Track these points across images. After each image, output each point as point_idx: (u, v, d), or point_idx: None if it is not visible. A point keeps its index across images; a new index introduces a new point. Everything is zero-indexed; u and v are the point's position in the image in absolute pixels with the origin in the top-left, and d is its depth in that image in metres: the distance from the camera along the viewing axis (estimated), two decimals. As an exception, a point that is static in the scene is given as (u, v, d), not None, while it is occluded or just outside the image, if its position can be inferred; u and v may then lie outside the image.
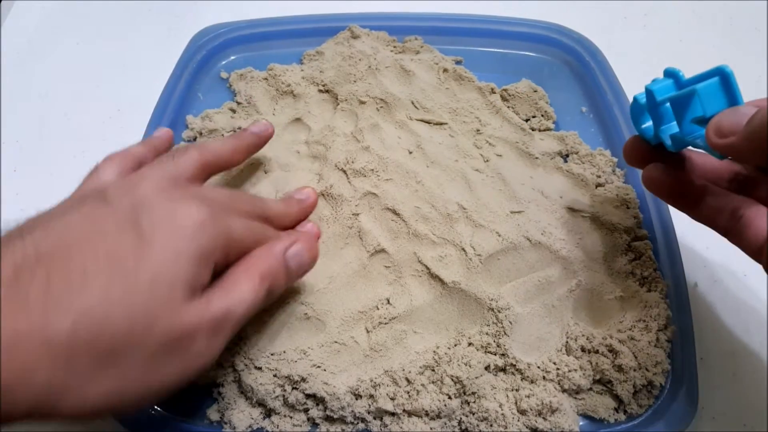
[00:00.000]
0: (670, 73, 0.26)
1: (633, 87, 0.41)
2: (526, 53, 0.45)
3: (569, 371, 0.30)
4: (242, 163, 0.35)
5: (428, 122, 0.40)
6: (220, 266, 0.25)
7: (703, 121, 0.24)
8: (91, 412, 0.21)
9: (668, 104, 0.26)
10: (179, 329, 0.22)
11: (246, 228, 0.27)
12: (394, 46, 0.45)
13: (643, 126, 0.29)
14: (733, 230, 0.26)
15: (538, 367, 0.30)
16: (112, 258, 0.22)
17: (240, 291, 0.25)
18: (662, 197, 0.28)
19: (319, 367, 0.30)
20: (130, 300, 0.21)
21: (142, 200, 0.24)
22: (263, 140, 0.35)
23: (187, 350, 0.23)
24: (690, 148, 0.27)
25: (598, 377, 0.30)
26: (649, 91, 0.26)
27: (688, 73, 0.25)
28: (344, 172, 0.36)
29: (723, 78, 0.24)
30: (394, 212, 0.34)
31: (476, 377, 0.30)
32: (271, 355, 0.31)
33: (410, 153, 0.38)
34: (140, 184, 0.26)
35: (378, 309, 0.32)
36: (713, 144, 0.22)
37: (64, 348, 0.20)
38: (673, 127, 0.27)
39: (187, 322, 0.23)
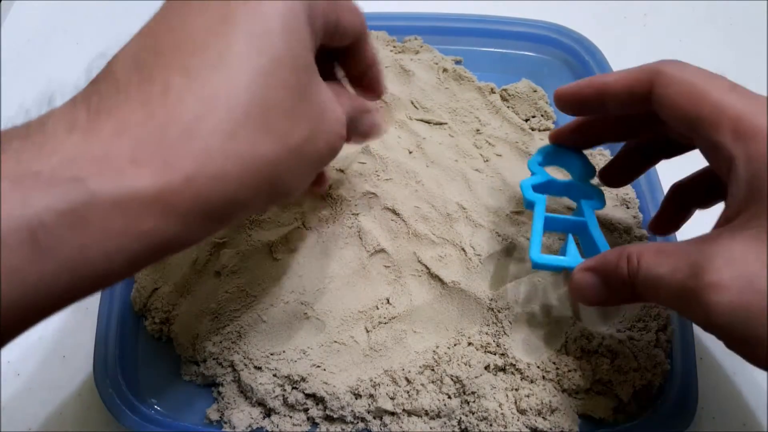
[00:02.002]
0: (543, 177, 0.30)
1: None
2: (526, 53, 0.45)
3: (569, 371, 0.30)
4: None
5: (428, 122, 0.40)
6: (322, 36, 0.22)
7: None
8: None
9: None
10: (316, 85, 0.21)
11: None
12: (394, 46, 0.45)
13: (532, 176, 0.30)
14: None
15: (538, 367, 0.30)
16: (238, 28, 0.19)
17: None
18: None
19: (318, 366, 0.30)
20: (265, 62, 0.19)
21: None
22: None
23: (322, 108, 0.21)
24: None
25: (597, 377, 0.30)
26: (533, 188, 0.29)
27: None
28: (343, 172, 0.36)
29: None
30: (394, 212, 0.34)
31: (476, 377, 0.30)
32: (271, 354, 0.31)
33: (410, 153, 0.38)
34: None
35: (378, 309, 0.32)
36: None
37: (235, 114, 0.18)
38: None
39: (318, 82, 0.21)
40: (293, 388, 0.30)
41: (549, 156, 0.30)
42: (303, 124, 0.20)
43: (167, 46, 0.18)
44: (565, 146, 0.30)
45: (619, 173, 0.31)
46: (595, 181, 0.31)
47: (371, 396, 0.30)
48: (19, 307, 0.15)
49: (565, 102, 0.27)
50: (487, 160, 0.38)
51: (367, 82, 0.28)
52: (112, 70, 0.18)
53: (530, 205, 0.29)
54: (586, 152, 0.31)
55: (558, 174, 0.34)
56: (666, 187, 0.32)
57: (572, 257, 0.27)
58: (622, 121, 0.28)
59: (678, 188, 0.30)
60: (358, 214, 0.34)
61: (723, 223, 0.22)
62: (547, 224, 0.29)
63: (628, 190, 0.36)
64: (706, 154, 0.23)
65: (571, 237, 0.28)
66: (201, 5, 0.19)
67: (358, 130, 0.26)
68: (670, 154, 0.29)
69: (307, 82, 0.20)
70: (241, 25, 0.19)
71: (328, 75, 0.27)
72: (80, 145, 0.16)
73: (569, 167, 0.31)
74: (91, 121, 0.17)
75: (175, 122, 0.17)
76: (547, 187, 0.30)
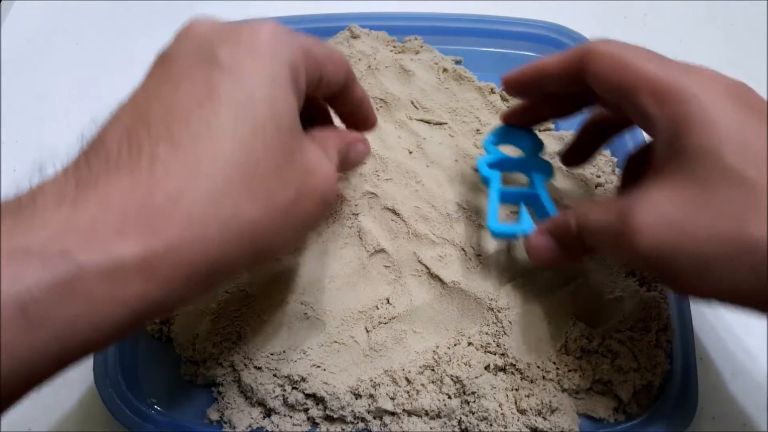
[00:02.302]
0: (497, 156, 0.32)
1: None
2: (526, 53, 0.45)
3: (569, 371, 0.30)
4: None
5: (428, 122, 0.40)
6: (304, 89, 0.24)
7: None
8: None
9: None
10: (302, 151, 0.22)
11: (316, 43, 0.24)
12: (394, 46, 0.45)
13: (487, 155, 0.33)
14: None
15: (538, 367, 0.30)
16: (215, 98, 0.20)
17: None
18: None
19: (318, 366, 0.30)
20: (250, 127, 0.20)
21: (203, 37, 0.22)
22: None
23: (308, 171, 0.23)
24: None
25: (597, 377, 0.30)
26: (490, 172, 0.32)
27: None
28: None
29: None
30: (394, 212, 0.34)
31: (476, 377, 0.30)
32: (271, 354, 0.31)
33: (410, 153, 0.38)
34: (195, 26, 0.23)
35: (378, 309, 0.32)
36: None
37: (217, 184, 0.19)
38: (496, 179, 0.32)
39: (306, 144, 0.23)
40: (293, 388, 0.30)
41: (501, 136, 0.33)
42: (289, 186, 0.21)
43: (156, 116, 0.19)
44: (516, 126, 0.33)
45: (575, 155, 0.34)
46: (546, 155, 0.33)
47: (371, 396, 0.30)
48: (12, 378, 0.16)
49: (510, 86, 0.30)
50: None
51: (357, 118, 0.30)
52: (103, 140, 0.19)
53: (486, 180, 0.32)
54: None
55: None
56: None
57: (526, 224, 0.30)
58: (564, 99, 0.30)
59: (631, 159, 0.32)
60: (358, 214, 0.34)
61: (650, 178, 0.24)
62: (502, 197, 0.31)
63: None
64: (636, 120, 0.25)
65: (524, 207, 0.31)
66: (189, 75, 0.20)
67: (349, 162, 0.28)
68: (616, 131, 0.32)
69: (292, 145, 0.21)
70: (225, 94, 0.20)
71: (316, 115, 0.29)
72: (68, 218, 0.17)
73: (520, 144, 0.33)
74: (79, 193, 0.17)
75: (159, 191, 0.18)
76: (501, 164, 0.33)
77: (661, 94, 0.23)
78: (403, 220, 0.34)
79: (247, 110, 0.20)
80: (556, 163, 0.38)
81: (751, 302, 0.21)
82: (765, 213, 0.20)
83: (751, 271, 0.20)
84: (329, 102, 0.28)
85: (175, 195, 0.18)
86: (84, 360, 0.18)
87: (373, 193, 0.35)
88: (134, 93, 0.21)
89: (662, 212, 0.22)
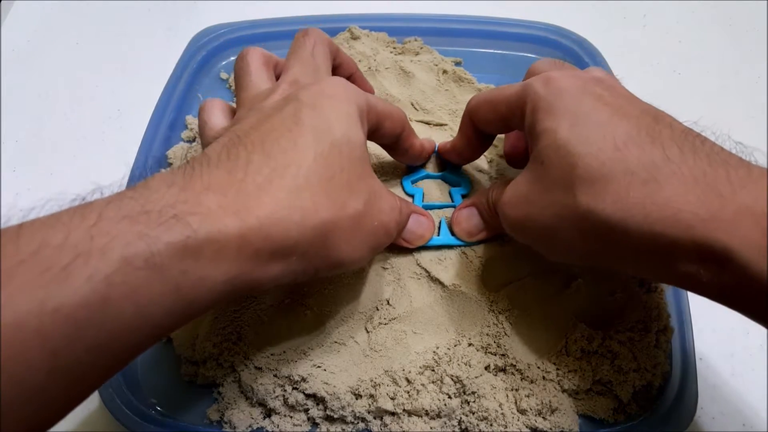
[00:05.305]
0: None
1: (632, 88, 0.41)
2: (526, 54, 0.45)
3: (569, 371, 0.30)
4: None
5: (428, 123, 0.40)
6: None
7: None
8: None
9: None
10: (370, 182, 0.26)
11: (379, 100, 0.29)
12: (394, 47, 0.45)
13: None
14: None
15: (538, 368, 0.30)
16: (303, 128, 0.24)
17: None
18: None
19: (319, 367, 0.30)
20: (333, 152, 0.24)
21: (295, 91, 0.26)
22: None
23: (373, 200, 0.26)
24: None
25: (597, 378, 0.30)
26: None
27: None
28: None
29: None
30: (394, 212, 0.34)
31: (476, 377, 0.30)
32: (271, 355, 0.31)
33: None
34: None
35: (378, 310, 0.32)
36: (468, 240, 0.33)
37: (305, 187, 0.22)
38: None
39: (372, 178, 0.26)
40: (293, 388, 0.30)
41: None
42: (358, 199, 0.24)
43: (252, 138, 0.23)
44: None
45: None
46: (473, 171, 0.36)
47: (371, 396, 0.30)
48: (135, 327, 0.18)
49: (441, 154, 0.36)
50: (490, 161, 0.38)
51: (406, 161, 0.35)
52: (206, 153, 0.23)
53: (411, 197, 0.35)
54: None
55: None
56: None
57: (446, 236, 0.33)
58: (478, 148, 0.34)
59: None
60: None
61: None
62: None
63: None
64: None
65: (443, 220, 0.34)
66: (279, 110, 0.25)
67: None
68: None
69: (362, 170, 0.25)
70: (309, 122, 0.24)
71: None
72: (178, 194, 0.20)
73: (443, 160, 0.36)
74: (186, 181, 0.21)
75: (252, 181, 0.21)
76: (424, 180, 0.36)
77: (518, 110, 0.27)
78: (403, 220, 0.34)
79: (326, 134, 0.24)
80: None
81: (600, 263, 0.24)
82: (590, 183, 0.23)
83: (585, 237, 0.23)
84: (384, 147, 0.32)
85: (264, 185, 0.21)
86: (182, 324, 0.20)
87: (373, 194, 0.35)
88: (230, 127, 0.25)
89: (516, 190, 0.27)
